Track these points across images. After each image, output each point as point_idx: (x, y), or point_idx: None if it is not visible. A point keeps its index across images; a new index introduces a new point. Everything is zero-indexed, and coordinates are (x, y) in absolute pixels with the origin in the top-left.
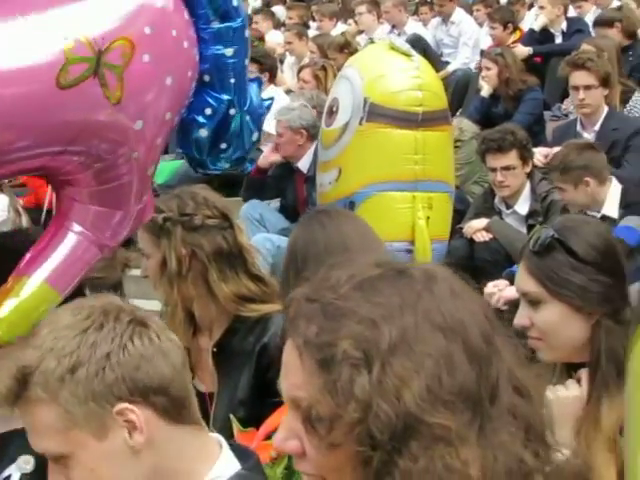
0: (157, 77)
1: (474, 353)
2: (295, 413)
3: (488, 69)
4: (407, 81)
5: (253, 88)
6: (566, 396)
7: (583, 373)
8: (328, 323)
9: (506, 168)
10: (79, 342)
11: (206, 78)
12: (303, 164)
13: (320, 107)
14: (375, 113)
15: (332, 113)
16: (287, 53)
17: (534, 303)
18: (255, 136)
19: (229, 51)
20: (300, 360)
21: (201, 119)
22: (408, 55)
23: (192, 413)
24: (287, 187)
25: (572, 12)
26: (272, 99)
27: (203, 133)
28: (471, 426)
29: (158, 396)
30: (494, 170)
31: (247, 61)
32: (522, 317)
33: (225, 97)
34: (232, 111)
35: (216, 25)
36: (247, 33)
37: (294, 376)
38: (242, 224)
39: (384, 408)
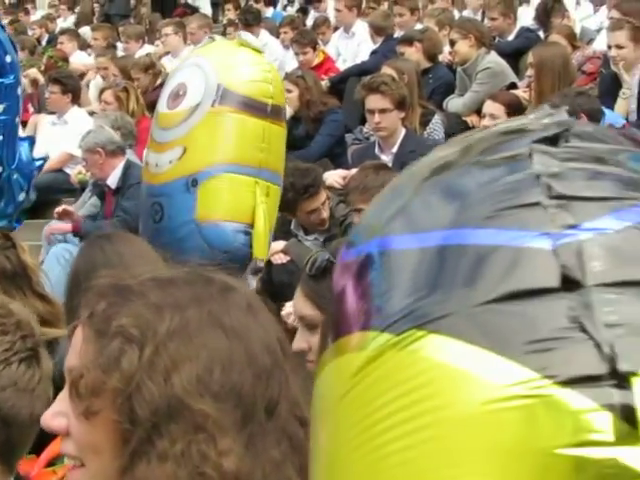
0: None
1: (255, 361)
2: (67, 386)
3: (289, 91)
4: (260, 73)
5: (24, 147)
6: None
7: None
8: (117, 300)
9: (323, 204)
10: None
11: None
12: (112, 180)
13: (125, 128)
14: (228, 98)
15: (178, 97)
16: (92, 73)
17: (311, 327)
18: (22, 196)
19: None
20: (82, 331)
21: None
22: (259, 51)
23: (11, 464)
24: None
25: None
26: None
27: None
28: (239, 428)
29: None
30: (314, 211)
31: (18, 119)
32: (300, 341)
33: None
34: None
35: None
36: (20, 91)
37: (74, 347)
38: (25, 244)
39: (149, 386)
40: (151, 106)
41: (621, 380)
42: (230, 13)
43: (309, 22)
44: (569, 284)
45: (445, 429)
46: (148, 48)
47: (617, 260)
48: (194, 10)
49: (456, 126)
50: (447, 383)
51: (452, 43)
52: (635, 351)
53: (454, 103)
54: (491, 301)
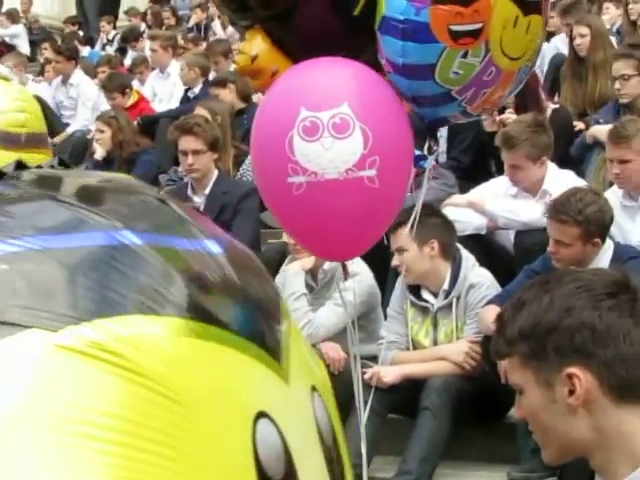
0: None
1: None
2: None
3: (102, 132)
4: (10, 103)
5: None
6: None
7: None
8: None
9: None
10: None
11: None
12: None
13: None
14: None
15: None
16: None
17: None
18: None
19: None
20: None
21: None
22: (7, 79)
23: None
24: None
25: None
26: None
27: None
28: None
29: None
30: None
31: None
32: None
33: None
34: None
35: None
36: None
37: None
38: None
39: None
40: None
41: None
42: (47, 52)
43: (127, 61)
44: None
45: None
46: None
47: None
48: (11, 48)
49: None
50: None
51: None
52: None
53: None
54: None
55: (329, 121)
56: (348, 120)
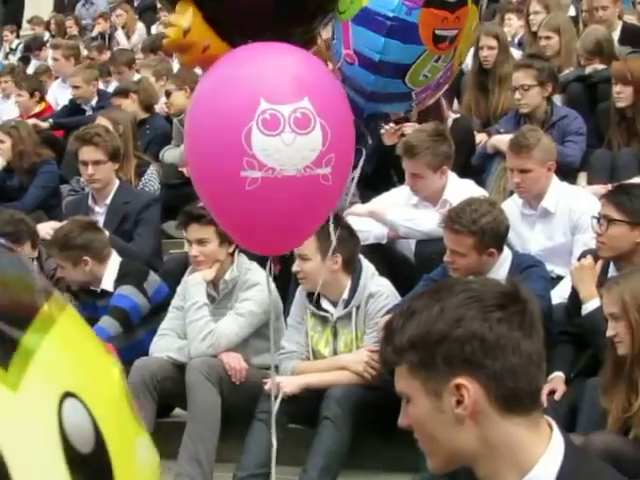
0: None
1: None
2: None
3: (2, 142)
4: None
5: None
6: None
7: None
8: None
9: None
10: None
11: None
12: None
13: None
14: None
15: None
16: None
17: None
18: None
19: None
20: None
21: None
22: None
23: None
24: None
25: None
26: None
27: None
28: None
29: None
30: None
31: None
32: None
33: None
34: None
35: None
36: None
37: None
38: None
39: None
40: None
41: None
42: None
43: (30, 70)
44: None
45: None
46: None
47: None
48: None
49: (172, 176)
50: None
51: (168, 94)
52: None
53: (170, 154)
54: None
55: (291, 115)
56: (309, 115)
